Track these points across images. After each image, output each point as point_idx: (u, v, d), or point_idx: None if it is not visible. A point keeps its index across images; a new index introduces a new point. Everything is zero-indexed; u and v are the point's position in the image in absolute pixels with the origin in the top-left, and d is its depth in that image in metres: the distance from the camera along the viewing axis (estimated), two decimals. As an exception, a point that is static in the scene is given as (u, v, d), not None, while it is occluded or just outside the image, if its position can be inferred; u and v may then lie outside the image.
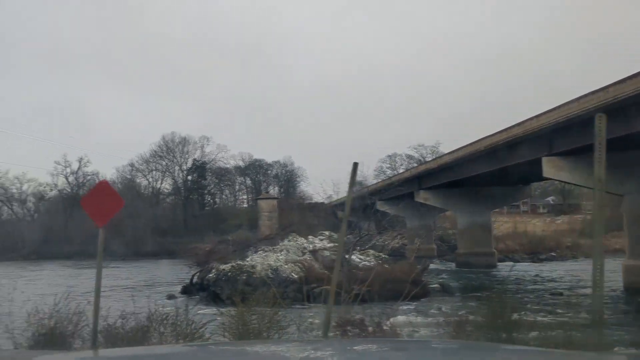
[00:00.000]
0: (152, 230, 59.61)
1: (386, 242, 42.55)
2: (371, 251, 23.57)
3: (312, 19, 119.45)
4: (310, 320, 6.93)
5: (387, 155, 73.60)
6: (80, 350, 4.69)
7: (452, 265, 39.60)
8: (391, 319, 6.16)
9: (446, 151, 42.85)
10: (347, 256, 20.49)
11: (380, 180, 56.94)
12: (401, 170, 62.43)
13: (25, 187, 71.36)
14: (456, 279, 29.22)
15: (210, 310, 12.81)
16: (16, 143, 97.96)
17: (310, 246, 27.11)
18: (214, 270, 23.20)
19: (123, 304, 15.08)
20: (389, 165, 73.30)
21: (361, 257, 21.24)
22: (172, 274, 34.51)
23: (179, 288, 25.32)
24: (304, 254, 23.92)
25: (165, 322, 7.19)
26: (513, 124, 27.25)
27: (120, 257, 47.44)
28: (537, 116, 24.86)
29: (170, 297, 22.47)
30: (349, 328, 5.55)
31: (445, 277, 29.06)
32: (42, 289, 20.69)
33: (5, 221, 69.64)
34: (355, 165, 5.59)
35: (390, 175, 58.75)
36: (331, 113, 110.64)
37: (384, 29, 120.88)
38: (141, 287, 25.04)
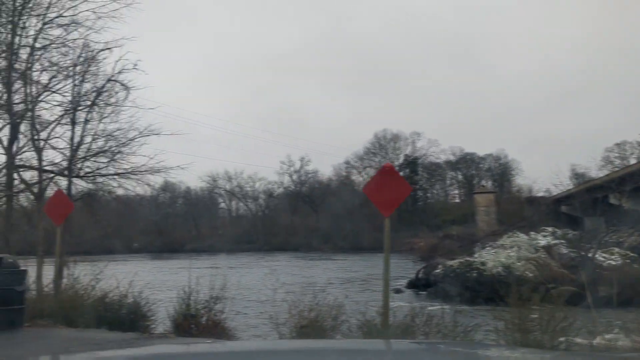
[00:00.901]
0: (368, 225, 61.84)
1: (621, 239, 37.95)
2: (616, 249, 21.20)
3: (521, 5, 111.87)
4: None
5: (615, 143, 65.39)
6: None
7: None
8: None
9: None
10: (589, 255, 18.81)
11: (612, 171, 50.92)
12: (632, 161, 55.05)
13: (257, 185, 79.04)
14: None
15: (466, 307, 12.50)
16: (250, 145, 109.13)
17: (534, 242, 25.47)
18: (440, 266, 23.14)
19: (365, 296, 15.91)
20: (617, 155, 65.27)
21: (605, 255, 19.25)
22: (392, 267, 35.22)
23: (401, 282, 25.61)
24: (537, 251, 22.49)
25: (429, 322, 7.06)
26: None
27: (340, 250, 50.32)
28: None
29: (398, 291, 23.02)
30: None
31: None
32: (285, 278, 22.70)
33: (242, 216, 78.88)
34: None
35: (621, 167, 52.15)
36: (544, 103, 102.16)
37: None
38: (368, 280, 25.90)
